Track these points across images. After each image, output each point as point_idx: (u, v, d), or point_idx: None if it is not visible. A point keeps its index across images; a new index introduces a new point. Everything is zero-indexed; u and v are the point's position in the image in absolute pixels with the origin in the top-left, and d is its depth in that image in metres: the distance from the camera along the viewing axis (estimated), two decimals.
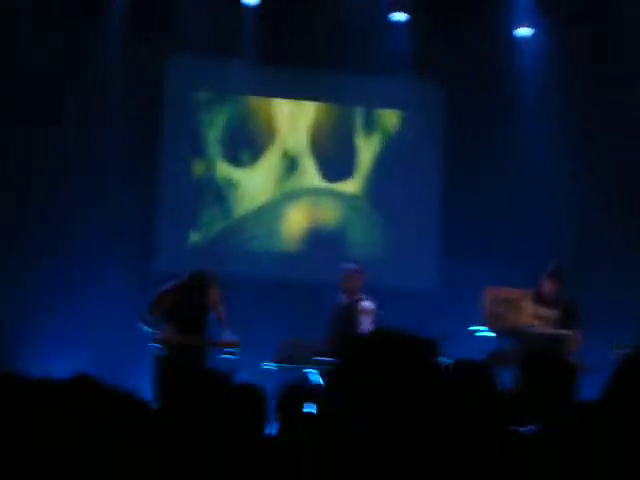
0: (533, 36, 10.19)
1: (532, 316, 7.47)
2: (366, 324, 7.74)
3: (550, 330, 7.59)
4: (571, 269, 8.10)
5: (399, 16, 10.12)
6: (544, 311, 7.62)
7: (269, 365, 7.55)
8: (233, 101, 10.45)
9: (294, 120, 10.51)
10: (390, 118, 10.78)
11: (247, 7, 9.87)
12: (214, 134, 10.33)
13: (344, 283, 8.07)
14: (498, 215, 9.93)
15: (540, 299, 7.70)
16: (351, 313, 7.88)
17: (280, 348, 7.48)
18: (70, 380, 2.72)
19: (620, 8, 9.58)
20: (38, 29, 9.21)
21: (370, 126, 10.68)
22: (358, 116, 10.69)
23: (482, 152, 10.09)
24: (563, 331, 7.52)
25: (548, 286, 7.76)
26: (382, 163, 10.66)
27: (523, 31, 10.19)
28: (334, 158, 10.58)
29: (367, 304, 7.94)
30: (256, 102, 10.48)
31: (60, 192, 9.46)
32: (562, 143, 9.97)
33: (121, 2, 9.68)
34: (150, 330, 7.57)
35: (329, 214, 10.59)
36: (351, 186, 10.62)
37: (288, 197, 10.48)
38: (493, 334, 7.57)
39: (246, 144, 10.40)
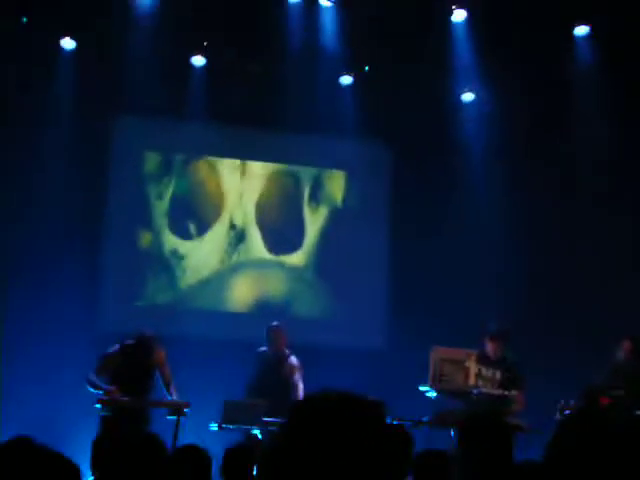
0: (475, 101, 10.42)
1: (476, 376, 7.51)
2: (296, 379, 8.22)
3: (494, 391, 7.65)
4: (516, 331, 8.21)
5: (346, 79, 10.27)
6: (488, 372, 7.71)
7: (214, 426, 7.46)
8: (179, 174, 10.42)
9: (241, 191, 10.54)
10: (337, 180, 10.87)
11: (195, 67, 9.93)
12: (161, 206, 10.32)
13: (271, 339, 8.43)
14: (445, 276, 10.05)
15: (484, 360, 7.78)
16: (281, 367, 8.33)
17: (225, 409, 7.41)
18: (7, 443, 2.68)
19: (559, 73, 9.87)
20: None
21: (316, 193, 10.76)
22: (305, 181, 10.76)
23: (427, 215, 10.25)
24: (506, 392, 7.58)
25: (491, 347, 7.92)
26: (328, 230, 10.75)
27: (467, 96, 10.41)
28: (280, 230, 10.65)
29: (295, 360, 8.41)
30: (203, 171, 10.48)
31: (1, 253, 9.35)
32: (504, 205, 10.18)
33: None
34: (95, 392, 7.52)
35: (275, 285, 10.60)
36: (297, 258, 10.67)
37: (234, 269, 10.48)
38: (438, 394, 7.57)
39: (193, 216, 10.42)
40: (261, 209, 10.57)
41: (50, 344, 9.05)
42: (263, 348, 8.51)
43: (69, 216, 9.42)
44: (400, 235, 10.54)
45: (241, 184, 10.54)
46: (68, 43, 9.53)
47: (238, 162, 10.56)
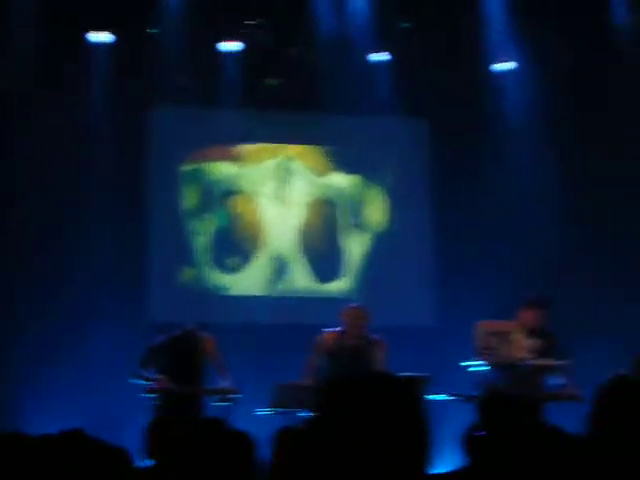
0: (515, 70, 10.28)
1: (524, 348, 7.46)
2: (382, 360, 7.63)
3: (542, 362, 7.59)
4: (563, 300, 8.14)
5: (381, 56, 10.21)
6: (530, 342, 7.61)
7: (264, 411, 7.47)
8: (219, 206, 10.40)
9: (281, 219, 10.51)
10: (376, 201, 10.76)
11: (228, 53, 9.91)
12: (202, 241, 10.30)
13: (351, 320, 7.78)
14: (490, 252, 9.97)
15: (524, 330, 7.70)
16: (364, 351, 7.69)
17: (274, 393, 7.40)
18: (62, 435, 2.73)
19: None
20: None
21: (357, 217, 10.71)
22: (343, 207, 10.69)
23: (470, 191, 10.15)
24: (554, 362, 7.51)
25: (528, 316, 7.70)
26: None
27: (504, 65, 10.27)
28: (323, 257, 10.59)
29: (379, 338, 7.81)
30: (242, 204, 10.46)
31: (48, 254, 9.46)
32: (546, 178, 10.04)
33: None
34: (143, 383, 7.54)
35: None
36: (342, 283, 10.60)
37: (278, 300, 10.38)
38: (486, 367, 7.54)
39: (234, 249, 10.38)
40: (302, 237, 10.54)
41: (99, 335, 9.14)
42: (331, 329, 7.82)
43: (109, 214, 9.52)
44: (443, 213, 10.47)
45: (280, 213, 10.51)
46: (105, 37, 9.56)
47: (274, 190, 10.47)
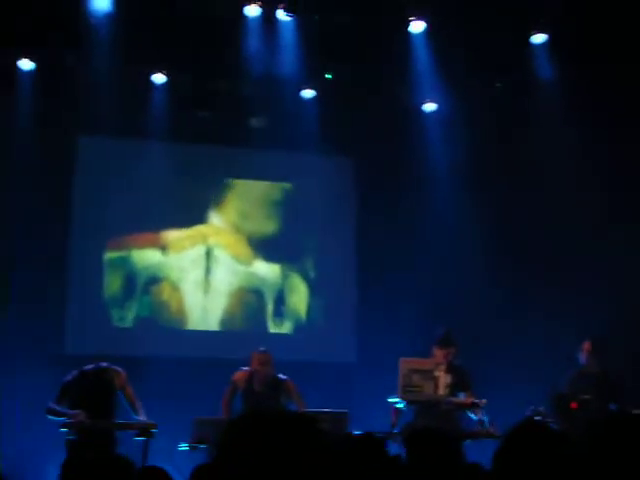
0: (437, 110, 10.44)
1: (445, 386, 7.51)
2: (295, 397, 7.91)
3: (463, 400, 7.66)
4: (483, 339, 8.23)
5: (308, 93, 10.27)
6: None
7: (185, 446, 7.35)
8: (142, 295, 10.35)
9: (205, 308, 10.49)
10: (300, 293, 10.80)
11: (155, 86, 9.85)
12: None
13: (259, 365, 7.97)
14: (410, 293, 10.05)
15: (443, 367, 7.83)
16: (272, 392, 7.92)
17: (194, 428, 7.30)
18: None
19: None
20: None
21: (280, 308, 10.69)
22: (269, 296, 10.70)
23: (393, 228, 10.28)
24: (476, 400, 7.58)
25: (440, 354, 7.93)
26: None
27: (428, 106, 10.44)
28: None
29: (285, 377, 8.02)
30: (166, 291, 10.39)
31: None
32: (468, 215, 10.20)
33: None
34: (57, 419, 7.42)
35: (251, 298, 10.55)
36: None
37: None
38: (409, 405, 7.57)
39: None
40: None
41: (11, 367, 8.91)
42: (244, 369, 8.07)
43: (32, 241, 9.31)
44: (366, 250, 10.54)
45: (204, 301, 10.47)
46: (26, 64, 9.42)
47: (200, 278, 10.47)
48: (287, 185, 10.85)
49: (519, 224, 10.32)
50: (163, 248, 10.33)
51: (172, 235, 10.37)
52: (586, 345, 8.25)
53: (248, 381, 8.04)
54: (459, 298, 9.96)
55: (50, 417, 7.49)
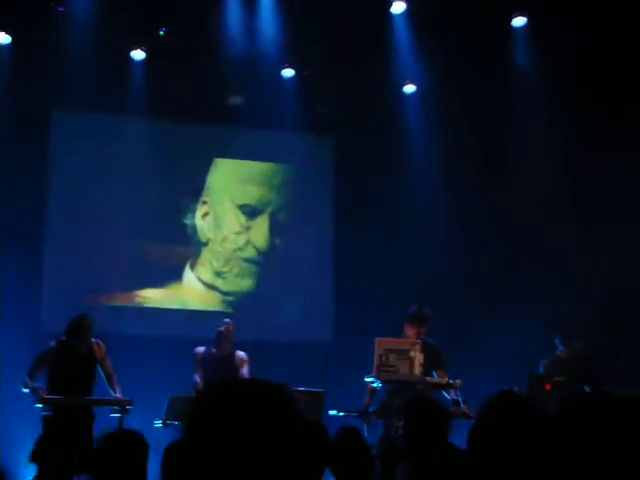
0: (416, 92, 10.44)
1: (421, 366, 7.54)
2: (244, 372, 8.13)
3: (438, 380, 7.71)
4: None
5: (288, 72, 10.24)
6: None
7: (159, 423, 7.37)
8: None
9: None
10: (282, 173, 10.85)
11: (135, 62, 9.78)
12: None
13: (223, 336, 8.28)
14: (386, 270, 10.07)
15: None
16: (229, 363, 8.18)
17: (170, 405, 7.33)
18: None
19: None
20: None
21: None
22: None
23: (370, 209, 10.27)
24: (451, 381, 7.63)
25: (411, 332, 7.94)
26: (275, 228, 10.74)
27: (408, 87, 10.44)
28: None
29: (243, 354, 8.32)
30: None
31: None
32: (445, 199, 10.25)
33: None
34: (33, 393, 7.34)
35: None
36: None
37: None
38: (384, 385, 7.61)
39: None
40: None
41: None
42: (201, 348, 8.33)
43: (8, 216, 9.24)
44: (344, 231, 10.54)
45: None
46: (3, 38, 9.32)
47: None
48: (269, 164, 10.81)
49: (497, 208, 10.34)
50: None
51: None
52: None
53: (207, 350, 8.29)
54: (436, 279, 9.99)
55: (24, 390, 7.42)
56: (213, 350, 8.30)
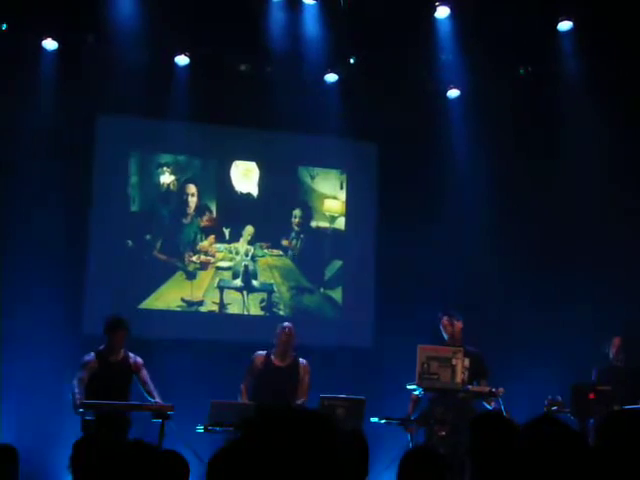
0: (461, 96, 10.36)
1: (463, 374, 7.47)
2: (306, 383, 8.08)
3: (481, 388, 7.63)
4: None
5: (331, 77, 10.22)
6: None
7: (201, 429, 7.37)
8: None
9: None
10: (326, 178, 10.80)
11: (179, 67, 9.81)
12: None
13: (281, 339, 8.19)
14: (429, 273, 9.99)
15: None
16: (292, 373, 8.10)
17: (212, 410, 7.33)
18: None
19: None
20: None
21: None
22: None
23: (414, 214, 10.19)
24: (493, 389, 7.54)
25: (447, 329, 8.09)
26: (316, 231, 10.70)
27: (452, 92, 10.36)
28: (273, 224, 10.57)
29: (305, 362, 8.23)
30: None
31: None
32: (491, 198, 10.15)
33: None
34: (73, 398, 7.45)
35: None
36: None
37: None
38: (426, 392, 7.56)
39: None
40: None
41: (35, 348, 8.95)
42: (261, 353, 8.25)
43: (53, 220, 9.30)
44: (387, 237, 10.47)
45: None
46: (50, 44, 9.41)
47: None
48: (311, 170, 10.78)
49: (544, 210, 10.24)
50: None
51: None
52: (616, 340, 8.44)
53: (266, 362, 8.17)
54: (480, 287, 9.91)
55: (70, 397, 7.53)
56: (272, 357, 8.24)
